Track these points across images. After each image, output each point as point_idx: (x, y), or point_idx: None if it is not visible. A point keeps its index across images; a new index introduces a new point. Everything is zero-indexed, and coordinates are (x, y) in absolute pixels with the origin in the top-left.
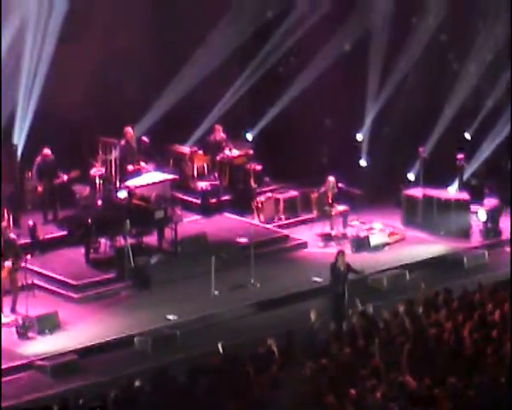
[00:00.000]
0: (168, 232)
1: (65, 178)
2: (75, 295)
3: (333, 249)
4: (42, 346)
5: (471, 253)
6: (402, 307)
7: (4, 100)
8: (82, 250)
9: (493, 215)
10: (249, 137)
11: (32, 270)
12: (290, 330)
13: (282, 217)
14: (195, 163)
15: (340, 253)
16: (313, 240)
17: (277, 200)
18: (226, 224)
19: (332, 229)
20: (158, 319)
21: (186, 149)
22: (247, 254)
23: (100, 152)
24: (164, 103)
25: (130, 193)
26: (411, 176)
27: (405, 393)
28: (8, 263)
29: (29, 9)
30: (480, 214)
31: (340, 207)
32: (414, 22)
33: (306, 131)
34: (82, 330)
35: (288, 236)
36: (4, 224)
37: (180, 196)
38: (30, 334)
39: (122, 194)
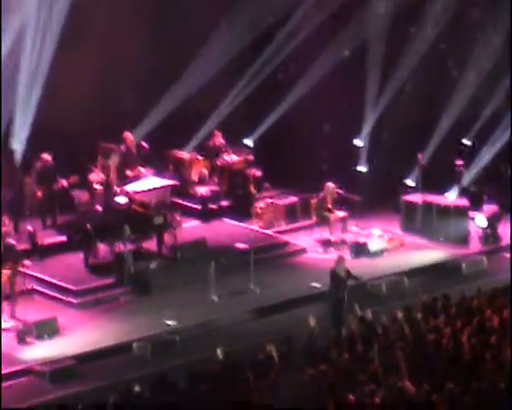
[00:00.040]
0: (167, 238)
1: (64, 183)
2: (74, 301)
3: (332, 255)
4: (41, 351)
5: (470, 259)
6: (400, 313)
7: (4, 105)
8: (81, 256)
9: (492, 221)
10: (249, 142)
11: (31, 275)
12: (289, 335)
13: (282, 223)
14: (195, 169)
15: (340, 259)
16: (312, 246)
17: (277, 206)
18: (225, 229)
19: (331, 234)
20: (157, 324)
21: (185, 154)
22: (246, 259)
23: (99, 157)
24: (163, 109)
25: (130, 198)
26: (410, 182)
27: (404, 398)
28: (7, 268)
29: (27, 16)
30: (478, 221)
31: (340, 213)
32: (412, 32)
33: (306, 137)
34: (81, 335)
35: (287, 241)
36: (4, 229)
37: (179, 201)
38: (29, 339)
39: (121, 199)
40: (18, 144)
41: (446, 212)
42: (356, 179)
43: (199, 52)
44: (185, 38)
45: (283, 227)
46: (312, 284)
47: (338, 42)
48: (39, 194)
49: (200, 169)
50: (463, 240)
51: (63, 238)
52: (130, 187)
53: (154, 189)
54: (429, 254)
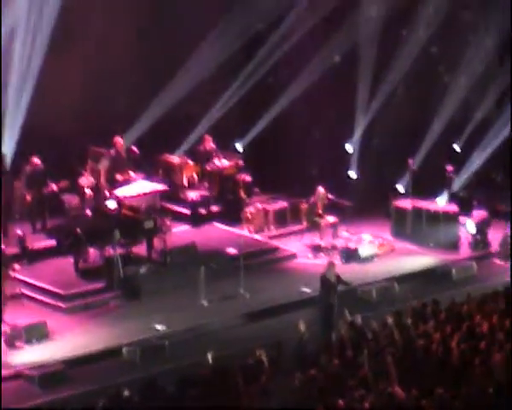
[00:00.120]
0: (157, 242)
1: (54, 187)
2: (63, 305)
3: (322, 260)
4: (30, 355)
5: (460, 264)
6: (390, 319)
7: None
8: (71, 260)
9: (482, 227)
10: (239, 147)
11: (20, 279)
12: (279, 340)
13: (272, 228)
14: (185, 173)
15: (331, 264)
16: (303, 251)
17: (267, 211)
18: (215, 234)
19: (321, 240)
20: (147, 329)
21: (176, 158)
22: (236, 264)
23: (89, 162)
24: (153, 113)
25: (120, 203)
26: (400, 187)
27: (394, 403)
28: None
29: (18, 19)
30: (468, 226)
31: (330, 218)
32: (404, 34)
33: (296, 142)
34: (70, 339)
35: (277, 247)
36: None
37: (169, 206)
38: (18, 343)
39: (111, 204)
40: (7, 148)
41: (436, 217)
42: (346, 185)
43: (190, 56)
44: (176, 42)
45: (273, 232)
46: (302, 289)
47: (329, 46)
48: (29, 198)
49: (190, 174)
50: (453, 246)
51: (53, 242)
52: (120, 191)
53: (144, 193)
54: (419, 259)
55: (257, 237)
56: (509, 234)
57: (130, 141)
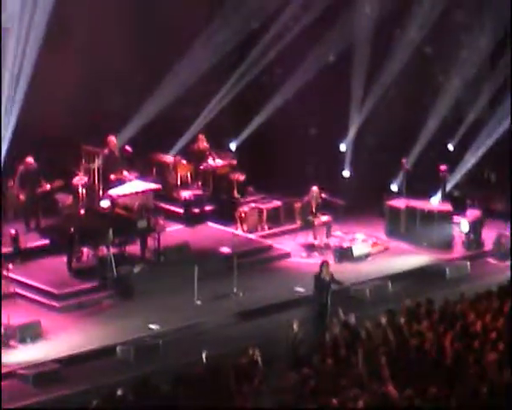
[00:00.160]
0: (151, 242)
1: (48, 186)
2: (57, 304)
3: (316, 260)
4: (24, 355)
5: (453, 264)
6: (384, 318)
7: None
8: (64, 259)
9: (475, 226)
10: (233, 146)
11: (13, 279)
12: (273, 340)
13: (266, 227)
14: (179, 172)
15: (325, 263)
16: (296, 250)
17: (260, 210)
18: (209, 233)
19: (315, 239)
20: (140, 328)
21: (169, 158)
22: (229, 263)
23: (83, 161)
24: (147, 112)
25: (113, 202)
26: (394, 187)
27: (387, 403)
28: None
29: (10, 19)
30: (462, 225)
31: (324, 218)
32: (397, 34)
33: (290, 142)
34: (64, 339)
35: (271, 246)
36: None
37: (163, 205)
38: (12, 343)
39: (105, 203)
40: (1, 148)
41: (430, 217)
42: (340, 184)
43: (184, 55)
44: (170, 41)
45: (267, 231)
46: (296, 288)
47: (323, 45)
48: (22, 197)
49: (183, 173)
50: (447, 245)
51: (46, 242)
52: (113, 191)
53: (138, 193)
54: (413, 258)
55: (250, 236)
56: (510, 233)
57: (124, 140)
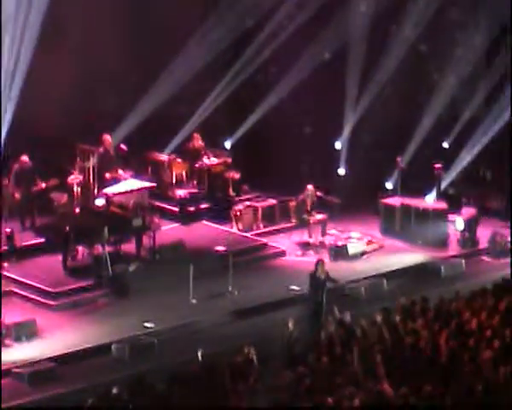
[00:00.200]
0: (146, 240)
1: (43, 185)
2: (53, 303)
3: (311, 258)
4: (19, 353)
5: (448, 262)
6: (379, 316)
7: None
8: (60, 258)
9: (470, 224)
10: (228, 145)
11: (9, 277)
12: (268, 338)
13: (261, 225)
14: (174, 171)
15: (320, 262)
16: (291, 248)
17: (256, 208)
18: (204, 232)
19: (310, 237)
20: (135, 326)
21: (164, 156)
22: (225, 262)
23: (78, 159)
24: (142, 111)
25: (108, 201)
26: (389, 185)
27: (383, 401)
28: None
29: (6, 17)
30: (457, 224)
31: (319, 216)
32: (393, 32)
33: (285, 140)
34: (59, 337)
35: (266, 244)
36: None
37: (158, 203)
38: (7, 341)
39: (100, 201)
40: None
41: (425, 215)
42: (335, 182)
43: (179, 54)
44: (165, 40)
45: (262, 230)
46: (291, 287)
47: (318, 43)
48: (17, 196)
49: (179, 172)
50: (442, 243)
51: (42, 240)
52: (108, 189)
53: (133, 191)
54: (408, 257)
55: (246, 234)
56: (510, 233)
57: (119, 139)
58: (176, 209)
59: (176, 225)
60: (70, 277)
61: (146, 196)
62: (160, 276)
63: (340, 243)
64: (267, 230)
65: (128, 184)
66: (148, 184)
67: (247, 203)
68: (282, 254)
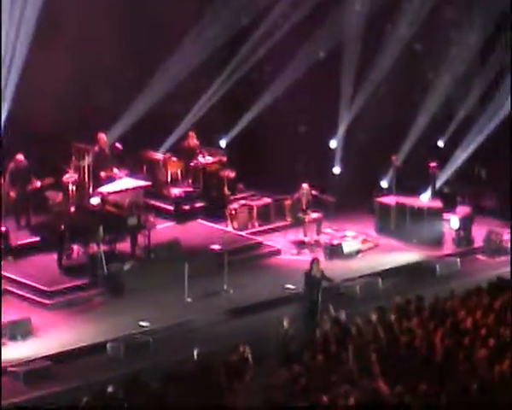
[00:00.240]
0: (141, 239)
1: (38, 184)
2: (48, 302)
3: (306, 257)
4: (14, 352)
5: (443, 260)
6: (374, 315)
7: None
8: (55, 256)
9: (465, 223)
10: (223, 143)
11: (4, 276)
12: (263, 337)
13: (256, 224)
14: (169, 170)
15: (315, 260)
16: (287, 247)
17: (251, 207)
18: (199, 230)
19: (305, 236)
20: (131, 325)
21: (159, 155)
22: (220, 261)
23: (73, 158)
24: (137, 109)
25: (103, 199)
26: (384, 184)
27: (378, 399)
28: None
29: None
30: (452, 222)
31: (314, 215)
32: (387, 31)
33: (280, 139)
34: (54, 336)
35: (261, 243)
36: None
37: (153, 202)
38: (2, 340)
39: (95, 200)
40: None
41: (420, 213)
42: (330, 181)
43: (174, 52)
44: (160, 38)
45: (257, 228)
46: (286, 285)
47: (313, 42)
48: (13, 194)
49: (174, 170)
50: (437, 242)
51: (37, 239)
52: (103, 188)
53: (128, 190)
54: (403, 255)
55: (241, 233)
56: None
57: (114, 137)
58: (171, 208)
59: (171, 223)
60: (65, 275)
61: (141, 194)
62: (155, 275)
63: (335, 242)
64: (262, 228)
65: (123, 182)
66: (143, 182)
67: (242, 202)
68: (278, 252)
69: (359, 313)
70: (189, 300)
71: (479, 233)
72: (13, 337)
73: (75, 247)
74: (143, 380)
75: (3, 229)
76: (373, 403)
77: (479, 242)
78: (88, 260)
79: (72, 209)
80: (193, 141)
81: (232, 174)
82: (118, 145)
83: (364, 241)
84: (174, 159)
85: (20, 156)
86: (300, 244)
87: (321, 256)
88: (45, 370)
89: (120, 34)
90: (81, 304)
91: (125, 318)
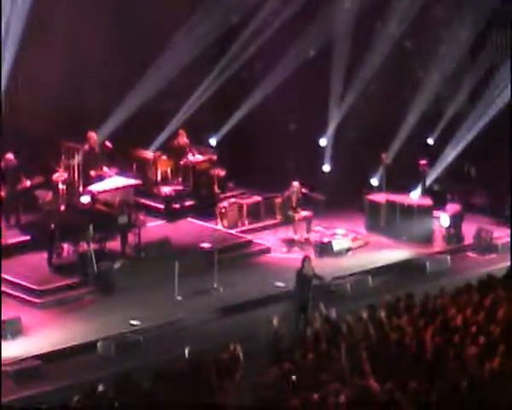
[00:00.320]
0: (131, 237)
1: (28, 183)
2: (38, 301)
3: (296, 255)
4: (4, 351)
5: (434, 258)
6: (365, 313)
7: None
8: (45, 255)
9: (456, 221)
10: (213, 142)
11: None
12: (254, 335)
13: (246, 222)
14: (159, 168)
15: (307, 259)
16: (277, 245)
17: (241, 205)
18: (190, 229)
19: (295, 234)
20: (121, 324)
21: (149, 153)
22: (210, 259)
23: (63, 157)
24: (127, 108)
25: (94, 198)
26: (374, 181)
27: (369, 397)
28: None
29: None
30: (442, 220)
31: (304, 213)
32: (377, 29)
33: (270, 137)
34: (45, 335)
35: (251, 241)
36: None
37: (143, 201)
38: None
39: (85, 199)
40: None
41: (410, 211)
42: (320, 179)
43: (164, 51)
44: (150, 36)
45: (247, 227)
46: (276, 283)
47: (303, 40)
48: (2, 193)
49: (164, 169)
50: (427, 239)
51: (27, 238)
52: (93, 187)
53: (118, 188)
54: (393, 253)
55: (231, 231)
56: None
57: (104, 136)
58: (161, 206)
59: (161, 222)
60: (55, 274)
61: (131, 193)
62: (146, 273)
63: (325, 240)
64: (252, 227)
65: (113, 181)
66: (133, 181)
67: (232, 200)
68: (268, 250)
69: (350, 311)
70: (179, 298)
71: (469, 231)
72: (3, 336)
73: (65, 246)
74: (134, 379)
75: None
76: (363, 401)
77: (469, 239)
78: (78, 259)
79: (62, 208)
80: (183, 139)
81: (222, 173)
82: (108, 144)
83: (354, 239)
84: (164, 157)
85: (9, 155)
86: (290, 242)
87: (311, 254)
88: (35, 369)
89: (110, 32)
90: (71, 303)
91: (115, 316)
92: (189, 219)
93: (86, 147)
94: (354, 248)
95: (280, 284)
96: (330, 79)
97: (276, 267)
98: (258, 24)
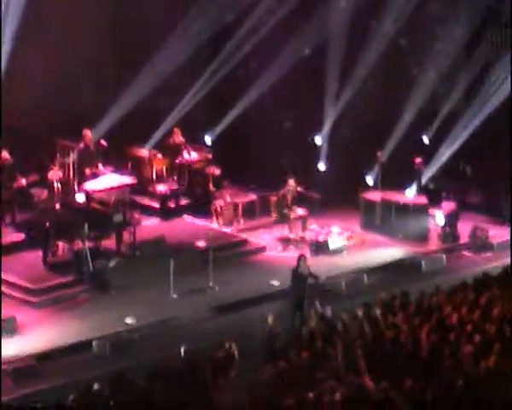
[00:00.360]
0: (126, 236)
1: (23, 181)
2: (33, 299)
3: (291, 253)
4: None
5: (429, 256)
6: (360, 311)
7: None
8: (40, 254)
9: (451, 219)
10: (208, 140)
11: None
12: (249, 333)
13: (241, 221)
14: (154, 166)
15: (302, 257)
16: (272, 244)
17: (236, 204)
18: (185, 227)
19: (291, 232)
20: (116, 322)
21: (145, 152)
22: (205, 257)
23: (58, 155)
24: (122, 106)
25: (89, 196)
26: (370, 180)
27: (364, 395)
28: None
29: None
30: (437, 218)
31: (299, 211)
32: (372, 27)
33: (265, 135)
34: (40, 334)
35: (246, 239)
36: None
37: (139, 199)
38: None
39: (80, 197)
40: None
41: (405, 209)
42: (315, 177)
43: (159, 49)
44: (145, 34)
45: (242, 225)
46: (271, 282)
47: (298, 38)
48: None
49: (159, 167)
50: (422, 237)
51: (22, 236)
52: (89, 185)
53: (113, 187)
54: (388, 251)
55: (226, 229)
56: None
57: (99, 134)
58: (156, 205)
59: (156, 220)
60: (50, 273)
61: (126, 191)
62: (141, 272)
63: (320, 238)
64: (247, 225)
65: (108, 179)
66: (128, 179)
67: (228, 199)
68: (263, 249)
69: (345, 309)
70: (174, 296)
71: (464, 229)
72: None
73: (60, 244)
74: (129, 377)
75: None
76: (358, 399)
77: (464, 238)
78: (73, 258)
79: (58, 206)
80: (178, 138)
81: (217, 171)
82: (103, 142)
83: (350, 237)
84: (159, 156)
85: (4, 154)
86: (286, 241)
87: (306, 253)
88: (31, 368)
89: (105, 30)
90: (66, 301)
91: (110, 315)
92: (185, 217)
93: (81, 145)
94: (349, 247)
95: (275, 282)
96: (325, 77)
97: (272, 266)
98: (253, 22)
